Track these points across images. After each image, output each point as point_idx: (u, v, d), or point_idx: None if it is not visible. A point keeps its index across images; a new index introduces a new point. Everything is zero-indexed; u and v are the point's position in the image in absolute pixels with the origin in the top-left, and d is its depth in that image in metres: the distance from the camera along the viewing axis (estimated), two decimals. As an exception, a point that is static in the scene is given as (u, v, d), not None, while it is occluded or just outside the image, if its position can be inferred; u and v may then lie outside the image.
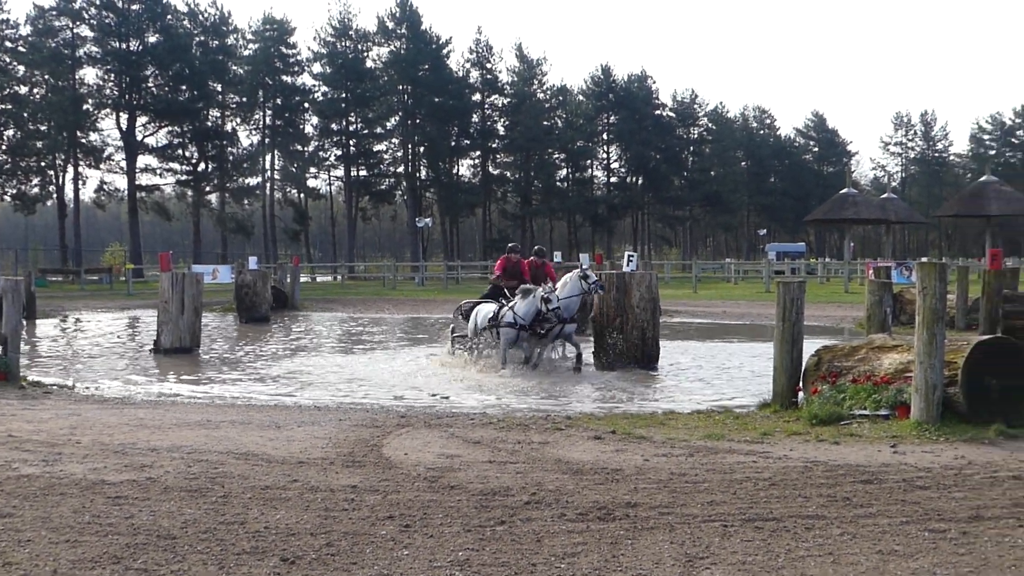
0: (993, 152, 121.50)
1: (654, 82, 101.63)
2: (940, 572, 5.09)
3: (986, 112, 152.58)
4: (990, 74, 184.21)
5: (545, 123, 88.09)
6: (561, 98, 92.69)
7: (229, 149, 75.94)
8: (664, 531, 5.82)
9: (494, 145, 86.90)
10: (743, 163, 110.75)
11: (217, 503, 6.39)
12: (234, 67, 76.11)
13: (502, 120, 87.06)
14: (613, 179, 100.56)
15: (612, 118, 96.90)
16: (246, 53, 77.82)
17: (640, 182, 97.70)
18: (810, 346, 11.45)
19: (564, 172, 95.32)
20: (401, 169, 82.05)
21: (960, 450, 8.16)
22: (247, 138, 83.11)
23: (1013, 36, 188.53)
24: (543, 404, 11.77)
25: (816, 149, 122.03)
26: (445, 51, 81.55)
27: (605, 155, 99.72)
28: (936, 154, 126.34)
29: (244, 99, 76.71)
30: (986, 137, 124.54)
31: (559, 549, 5.47)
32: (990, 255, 19.72)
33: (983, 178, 50.41)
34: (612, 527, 5.90)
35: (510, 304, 15.33)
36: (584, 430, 9.28)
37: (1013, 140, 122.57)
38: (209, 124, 74.49)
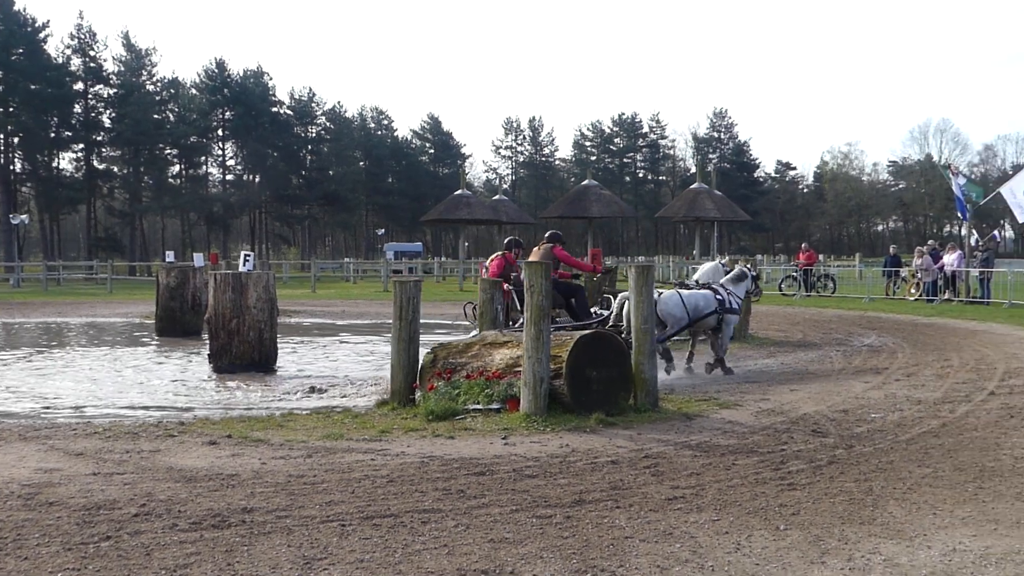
0: (594, 158, 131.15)
1: (271, 79, 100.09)
2: (547, 555, 5.41)
3: (587, 120, 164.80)
4: (591, 85, 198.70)
5: (156, 116, 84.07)
6: (173, 91, 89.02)
7: None
8: (282, 535, 5.75)
9: (100, 138, 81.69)
10: (361, 163, 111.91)
11: None
12: None
13: (108, 112, 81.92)
14: (229, 176, 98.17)
15: (228, 114, 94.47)
16: None
17: (257, 180, 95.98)
18: (427, 344, 11.78)
19: (177, 168, 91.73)
20: (-7, 161, 75.19)
21: (565, 439, 8.72)
22: None
23: (610, 51, 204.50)
24: (153, 412, 11.24)
25: (432, 151, 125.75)
26: (42, 35, 75.56)
27: (220, 152, 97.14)
28: (543, 158, 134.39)
29: None
30: (588, 144, 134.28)
31: (170, 561, 5.26)
32: (591, 255, 21.21)
33: (585, 182, 54.01)
34: (227, 534, 5.74)
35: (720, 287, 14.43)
36: (198, 436, 8.97)
37: (611, 147, 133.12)
38: None
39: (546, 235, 14.56)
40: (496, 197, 65.38)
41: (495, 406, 9.91)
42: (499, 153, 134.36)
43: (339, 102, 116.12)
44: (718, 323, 14.21)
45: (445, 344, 11.59)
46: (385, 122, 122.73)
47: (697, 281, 15.03)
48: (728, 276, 15.04)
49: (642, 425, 9.46)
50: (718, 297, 14.25)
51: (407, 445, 8.49)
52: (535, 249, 14.55)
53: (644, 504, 6.49)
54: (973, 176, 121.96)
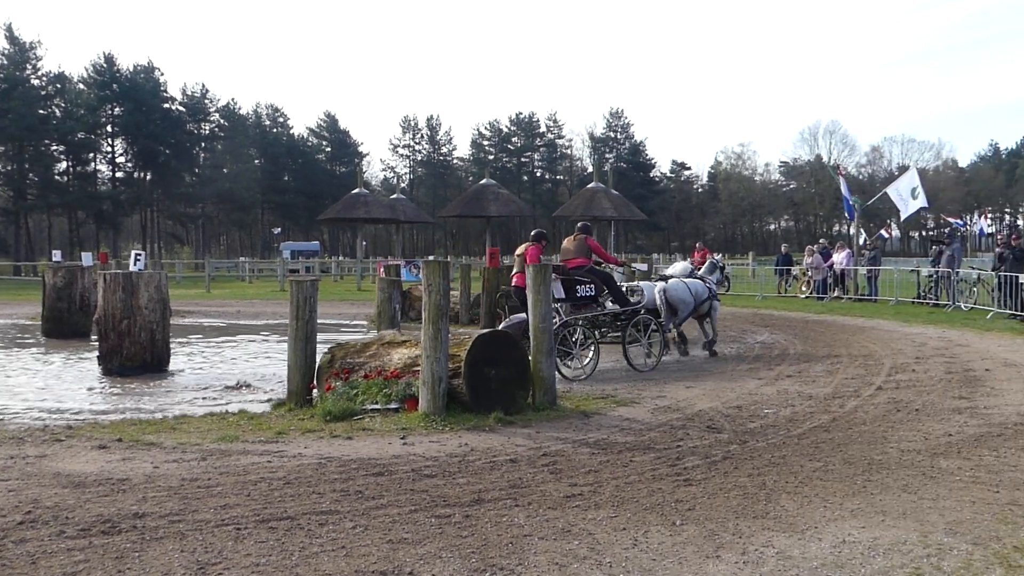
0: (492, 157, 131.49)
1: (162, 74, 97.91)
2: (445, 555, 5.41)
3: (485, 119, 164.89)
4: (489, 84, 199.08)
5: (41, 112, 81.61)
6: (59, 86, 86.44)
7: None
8: (175, 540, 5.64)
9: (-19, 133, 79.01)
10: (257, 161, 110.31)
11: None
12: None
13: (-10, 106, 79.31)
14: (119, 174, 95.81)
15: (117, 110, 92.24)
16: None
17: (148, 177, 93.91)
18: (325, 343, 11.66)
19: (64, 165, 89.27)
20: None
21: (464, 438, 8.72)
22: None
23: (508, 50, 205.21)
24: (39, 416, 10.88)
25: (329, 149, 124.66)
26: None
27: (110, 148, 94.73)
28: (441, 157, 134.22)
29: None
30: (486, 143, 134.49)
31: (57, 570, 5.11)
32: (489, 253, 21.26)
33: (483, 181, 54.07)
34: (118, 540, 5.61)
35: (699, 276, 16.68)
36: (88, 440, 8.73)
37: (509, 146, 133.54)
38: None
39: (532, 233, 15.28)
40: (394, 196, 65.10)
41: (394, 406, 9.87)
42: (397, 152, 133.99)
43: (233, 99, 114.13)
44: (708, 309, 16.48)
45: (343, 344, 11.50)
46: (281, 120, 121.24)
47: (670, 276, 16.75)
48: (703, 269, 17.40)
49: (541, 423, 9.52)
50: (708, 286, 16.49)
51: (304, 446, 8.40)
52: (569, 239, 15.04)
53: (543, 502, 6.53)
54: (860, 176, 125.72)
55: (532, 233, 15.35)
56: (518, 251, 15.72)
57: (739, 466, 7.65)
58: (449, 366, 9.69)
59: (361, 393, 10.13)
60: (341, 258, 77.91)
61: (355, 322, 23.84)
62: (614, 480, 7.18)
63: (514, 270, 16.06)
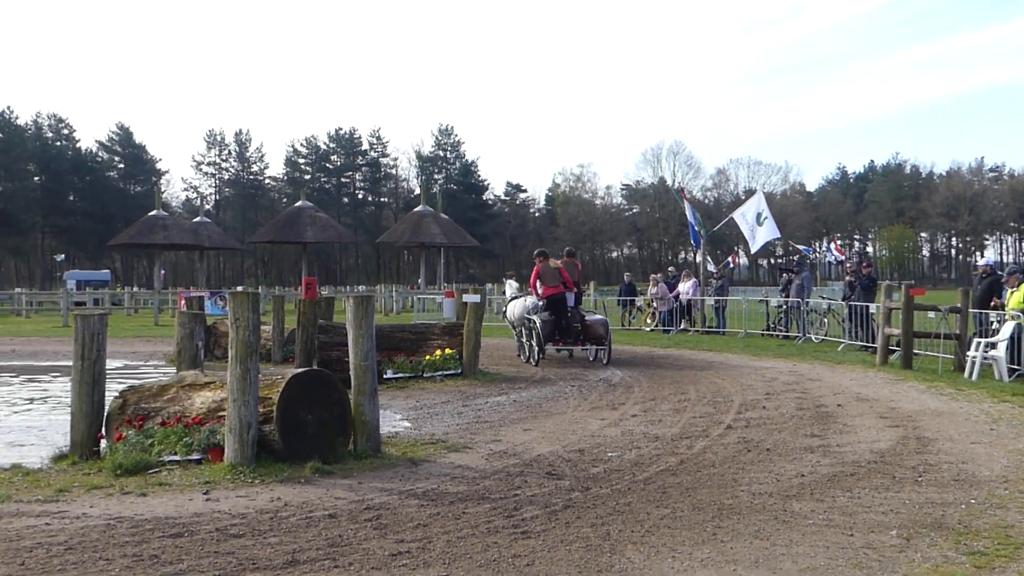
0: (308, 176, 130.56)
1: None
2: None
3: (301, 135, 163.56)
4: (305, 97, 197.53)
5: None
6: None
7: None
8: (-69, 621, 5.30)
9: None
10: (36, 178, 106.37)
11: None
12: None
13: None
14: None
15: None
16: None
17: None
18: (116, 387, 11.25)
19: None
20: None
21: (276, 491, 8.53)
22: None
23: (326, 61, 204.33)
24: None
25: (122, 165, 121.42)
26: None
27: None
28: (252, 176, 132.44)
29: None
30: (301, 161, 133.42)
31: None
32: (305, 284, 21.00)
33: (298, 203, 53.73)
34: None
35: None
36: None
37: (328, 165, 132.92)
38: None
39: (567, 250, 23.52)
40: (197, 219, 63.88)
41: (195, 456, 9.60)
42: (201, 169, 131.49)
43: (9, 107, 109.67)
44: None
45: (137, 387, 11.13)
46: (65, 131, 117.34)
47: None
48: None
49: (363, 473, 9.41)
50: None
51: (90, 505, 8.06)
52: (556, 262, 22.09)
53: (365, 561, 6.44)
54: (706, 200, 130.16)
55: (566, 250, 23.41)
56: (553, 263, 21.84)
57: (582, 515, 7.71)
58: (260, 410, 9.49)
59: (158, 443, 9.81)
60: (136, 289, 75.59)
61: (152, 362, 23.13)
62: (445, 535, 7.13)
63: (544, 282, 21.59)
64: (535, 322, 21.14)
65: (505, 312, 24.38)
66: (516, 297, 23.43)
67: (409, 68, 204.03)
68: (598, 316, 23.33)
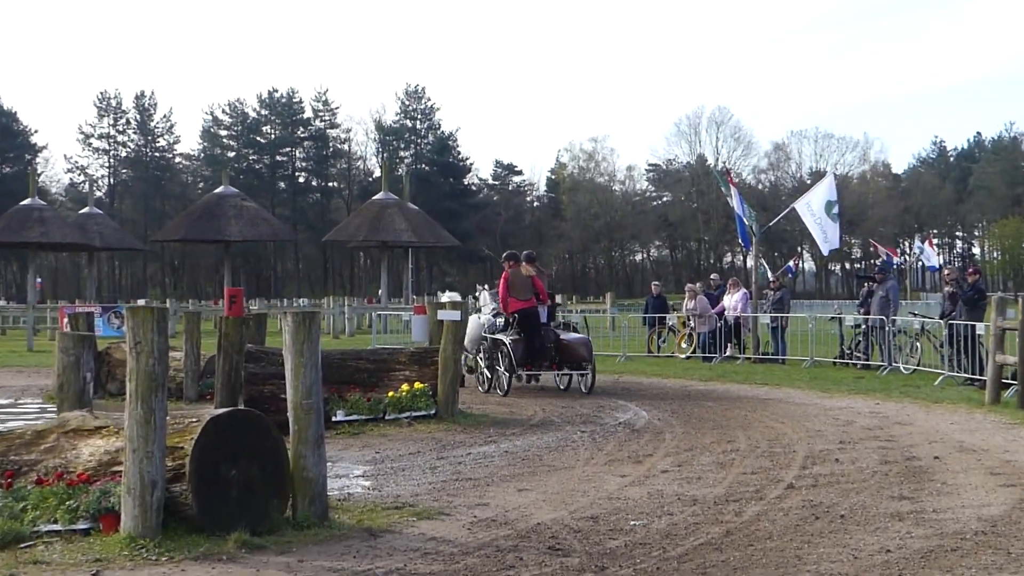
0: (232, 154, 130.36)
1: None
2: None
3: (224, 99, 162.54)
4: (226, 46, 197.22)
5: None
6: None
7: None
8: None
9: None
10: None
11: None
12: None
13: None
14: None
15: None
16: None
17: None
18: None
19: None
20: None
21: (190, 573, 8.51)
22: None
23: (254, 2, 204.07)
24: None
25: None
26: None
27: None
28: (158, 153, 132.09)
29: None
30: (223, 133, 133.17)
31: None
32: (228, 296, 20.89)
33: (219, 189, 53.56)
34: None
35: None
36: None
37: (259, 139, 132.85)
38: None
39: (508, 254, 23.17)
40: (85, 210, 63.70)
41: (82, 526, 9.57)
42: (90, 144, 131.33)
43: None
44: None
45: (4, 433, 11.12)
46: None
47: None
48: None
49: (305, 547, 9.38)
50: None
51: (-61, 593, 8.05)
52: (530, 269, 23.00)
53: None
54: (760, 186, 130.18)
55: (524, 254, 23.28)
56: (526, 269, 22.53)
57: (596, 604, 7.70)
58: (168, 464, 9.46)
59: (32, 507, 9.77)
60: (3, 303, 75.54)
61: (25, 400, 23.11)
62: (415, 630, 7.12)
63: (513, 293, 22.21)
64: (505, 343, 21.72)
65: None
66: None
67: (366, 10, 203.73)
68: (577, 335, 24.14)
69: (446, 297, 26.30)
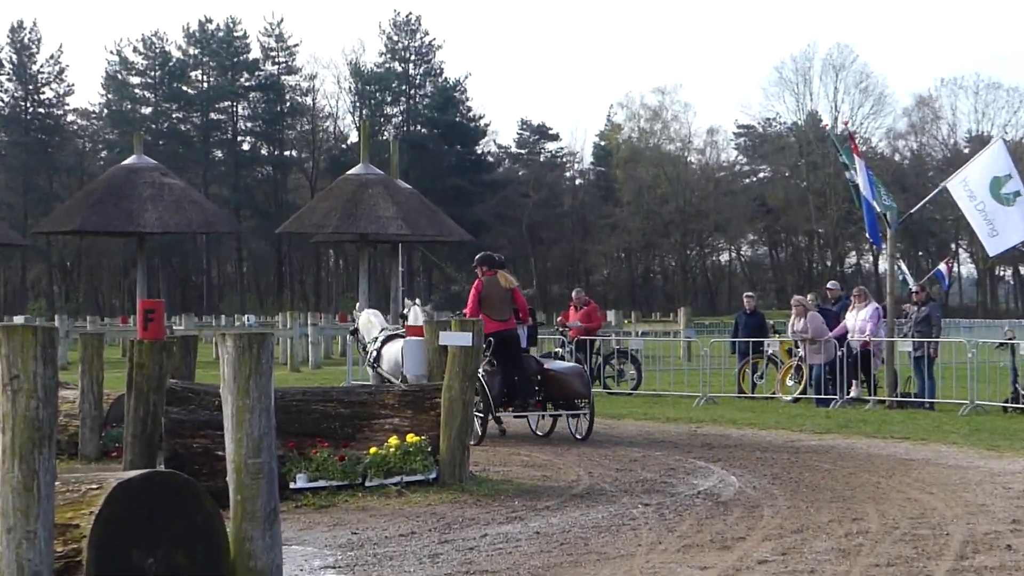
0: (149, 110, 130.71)
1: None
2: None
3: (137, 32, 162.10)
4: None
5: None
6: None
7: None
8: None
9: None
10: None
11: None
12: None
13: None
14: None
15: None
16: None
17: None
18: None
19: None
20: None
21: None
22: None
23: None
24: None
25: None
26: None
27: None
28: (41, 108, 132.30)
29: None
30: (135, 81, 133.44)
31: None
32: (142, 311, 20.83)
33: (130, 160, 53.38)
34: None
35: None
36: None
37: (185, 89, 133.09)
38: None
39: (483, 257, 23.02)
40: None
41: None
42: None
43: None
44: None
45: None
46: None
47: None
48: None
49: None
50: None
51: None
52: (511, 279, 24.05)
53: None
54: (897, 156, 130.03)
55: (495, 257, 24.62)
56: (505, 279, 23.36)
57: None
58: (58, 549, 9.46)
59: None
60: None
61: None
62: None
63: (487, 310, 22.54)
64: (480, 378, 21.63)
65: (375, 359, 25.50)
66: (394, 335, 24.79)
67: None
68: (567, 363, 25.01)
69: (412, 314, 25.87)
